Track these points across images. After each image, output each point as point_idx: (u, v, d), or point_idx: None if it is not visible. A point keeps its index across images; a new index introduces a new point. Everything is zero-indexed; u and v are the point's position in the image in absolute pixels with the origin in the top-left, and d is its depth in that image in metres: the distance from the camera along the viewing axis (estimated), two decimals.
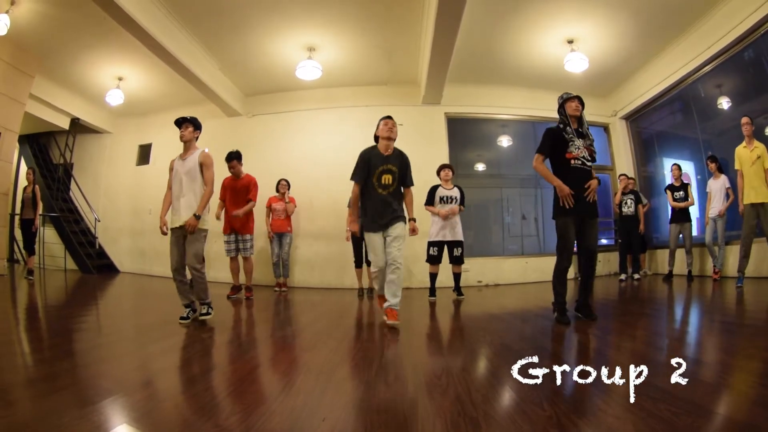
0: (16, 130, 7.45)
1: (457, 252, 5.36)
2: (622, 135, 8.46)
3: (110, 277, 8.65)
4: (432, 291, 5.43)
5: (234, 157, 5.67)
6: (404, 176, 3.81)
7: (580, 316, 3.56)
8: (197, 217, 3.63)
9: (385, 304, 3.58)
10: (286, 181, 6.86)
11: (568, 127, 3.55)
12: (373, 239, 3.70)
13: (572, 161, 3.47)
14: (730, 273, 5.97)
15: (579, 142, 3.51)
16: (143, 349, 2.88)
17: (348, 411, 1.67)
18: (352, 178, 3.78)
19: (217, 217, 5.64)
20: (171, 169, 3.88)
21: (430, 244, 5.37)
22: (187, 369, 2.45)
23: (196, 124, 3.93)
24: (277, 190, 6.78)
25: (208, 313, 3.80)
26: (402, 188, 3.86)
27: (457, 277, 5.52)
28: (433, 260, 5.36)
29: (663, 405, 1.56)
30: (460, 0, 4.78)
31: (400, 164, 3.76)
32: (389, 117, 3.79)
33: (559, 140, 3.53)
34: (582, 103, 3.60)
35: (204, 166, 3.78)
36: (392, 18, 6.02)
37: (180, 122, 3.89)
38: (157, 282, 7.84)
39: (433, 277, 5.44)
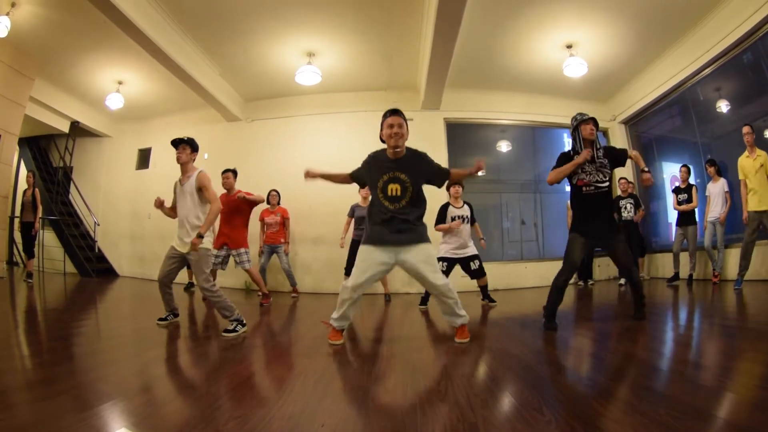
0: (16, 133, 7.46)
1: (474, 265, 5.20)
2: (621, 139, 8.47)
3: (109, 281, 8.63)
4: (424, 300, 5.31)
5: (229, 170, 5.76)
6: (428, 179, 3.16)
7: (554, 318, 3.54)
8: (200, 236, 3.60)
9: (455, 321, 3.18)
10: (277, 191, 6.79)
11: (577, 156, 3.52)
12: (366, 253, 3.01)
13: (584, 189, 3.49)
14: (729, 276, 5.98)
15: (589, 167, 3.50)
16: (142, 353, 2.87)
17: (347, 417, 1.67)
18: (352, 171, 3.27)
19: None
20: (174, 191, 3.88)
21: (440, 259, 5.13)
22: (185, 374, 2.45)
23: (193, 146, 3.82)
24: (268, 202, 6.73)
25: (235, 330, 3.51)
26: (423, 200, 3.17)
27: (483, 289, 5.41)
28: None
29: (662, 409, 1.57)
30: (459, 5, 4.81)
31: (414, 170, 3.05)
32: (395, 113, 3.02)
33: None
34: (596, 125, 3.57)
35: (203, 188, 3.73)
36: (392, 23, 6.04)
37: (177, 143, 3.78)
38: (157, 286, 7.81)
39: None
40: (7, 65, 6.90)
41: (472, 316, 4.65)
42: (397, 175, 3.02)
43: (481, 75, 7.61)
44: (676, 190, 6.63)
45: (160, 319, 3.86)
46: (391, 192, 3.02)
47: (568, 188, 3.76)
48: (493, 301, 5.37)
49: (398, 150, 3.01)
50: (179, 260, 3.72)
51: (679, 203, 6.52)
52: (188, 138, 3.81)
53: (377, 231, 3.03)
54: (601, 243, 3.59)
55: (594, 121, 3.57)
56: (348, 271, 6.14)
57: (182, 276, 4.23)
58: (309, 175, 3.28)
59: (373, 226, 3.07)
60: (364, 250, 3.04)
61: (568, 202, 3.83)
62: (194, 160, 3.87)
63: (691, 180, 6.52)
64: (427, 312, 5.01)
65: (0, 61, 6.80)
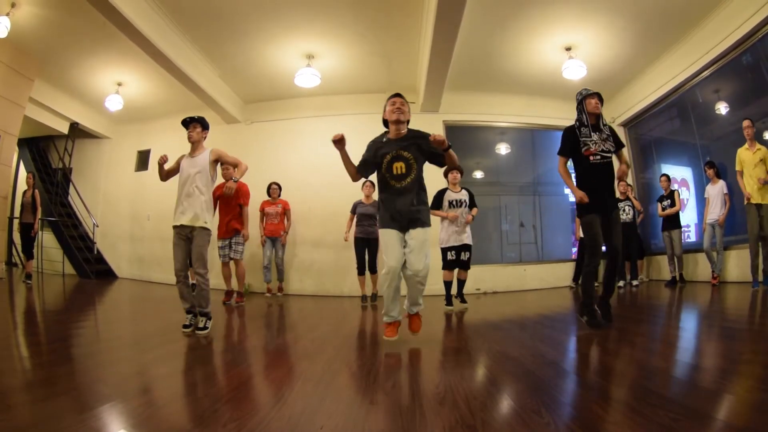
0: (15, 134, 7.47)
1: (464, 256, 5.21)
2: None
3: (108, 282, 8.63)
4: (449, 300, 5.24)
5: None
6: (429, 157, 3.18)
7: (596, 310, 3.54)
8: (235, 180, 3.82)
9: (406, 309, 3.27)
10: (277, 184, 6.85)
11: (583, 128, 3.55)
12: (388, 235, 3.08)
13: (591, 158, 3.51)
14: (729, 278, 5.99)
15: (595, 137, 3.52)
16: (142, 355, 2.87)
17: (346, 419, 1.66)
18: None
19: None
20: (177, 162, 3.87)
21: (445, 250, 5.19)
22: (185, 376, 2.44)
23: (204, 124, 3.88)
24: (269, 194, 6.76)
25: (205, 327, 3.59)
26: (424, 184, 3.24)
27: (461, 284, 5.36)
28: (451, 265, 5.19)
29: (662, 411, 1.56)
30: (459, 6, 4.81)
31: (417, 147, 3.12)
32: (397, 95, 3.23)
33: (576, 139, 3.56)
34: (601, 100, 3.61)
35: (221, 157, 3.84)
36: (391, 25, 6.05)
37: (187, 122, 3.83)
38: (156, 288, 7.82)
39: (449, 285, 5.25)
40: (7, 66, 6.91)
41: (467, 320, 4.66)
42: (400, 153, 3.11)
43: (480, 77, 7.62)
44: (660, 199, 6.75)
45: (185, 326, 3.62)
46: (397, 170, 3.11)
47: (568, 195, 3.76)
48: (465, 301, 5.34)
49: (400, 125, 3.15)
50: (186, 240, 3.67)
51: (663, 209, 6.67)
52: (199, 116, 3.86)
53: (389, 216, 3.12)
54: (606, 213, 3.54)
55: (598, 95, 3.60)
56: (361, 271, 6.15)
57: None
58: (339, 140, 3.14)
59: (385, 211, 3.16)
60: (383, 233, 3.15)
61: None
62: (205, 138, 3.93)
63: (689, 181, 6.57)
64: (450, 314, 4.93)
65: (0, 61, 6.80)
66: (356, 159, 3.26)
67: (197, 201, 3.68)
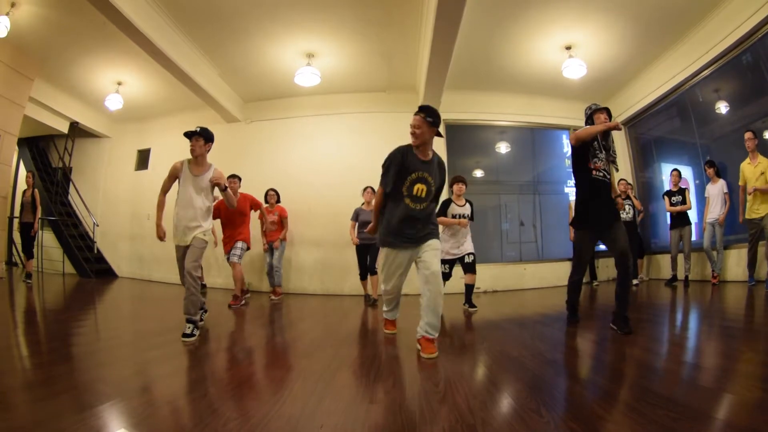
0: (15, 133, 7.46)
1: (469, 259, 5.13)
2: (621, 141, 8.46)
3: (108, 281, 8.62)
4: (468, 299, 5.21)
5: (235, 176, 5.89)
6: (439, 192, 3.15)
7: (614, 328, 3.26)
8: (224, 188, 3.66)
9: (420, 332, 2.88)
10: (275, 191, 6.74)
11: (595, 142, 3.53)
12: (388, 258, 2.96)
13: (594, 172, 3.50)
14: (729, 278, 5.99)
15: (602, 155, 3.52)
16: (142, 354, 2.87)
17: (346, 418, 1.67)
18: (381, 183, 3.08)
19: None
20: (174, 175, 3.65)
21: (441, 262, 5.13)
22: (185, 375, 2.44)
23: (207, 136, 3.67)
24: (266, 201, 6.68)
25: (192, 335, 3.33)
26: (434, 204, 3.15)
27: (469, 288, 5.23)
28: (444, 278, 5.01)
29: (662, 410, 1.57)
30: (459, 6, 4.81)
31: (439, 176, 3.07)
32: (417, 111, 3.01)
33: (586, 150, 3.53)
34: (610, 115, 3.61)
35: (218, 182, 3.63)
36: (391, 24, 6.04)
37: (190, 135, 3.64)
38: (156, 287, 7.82)
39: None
40: (7, 65, 6.90)
41: (468, 319, 4.66)
42: (425, 176, 2.98)
43: (480, 76, 7.61)
44: (668, 193, 6.68)
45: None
46: (417, 192, 2.97)
47: (571, 186, 3.77)
48: (474, 306, 5.16)
49: (423, 147, 3.00)
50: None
51: (673, 205, 6.58)
52: (201, 129, 3.66)
53: (396, 233, 3.00)
54: (604, 230, 3.50)
55: (607, 110, 3.61)
56: (363, 276, 6.16)
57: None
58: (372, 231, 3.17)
59: (390, 225, 3.03)
60: (385, 254, 3.05)
61: (571, 202, 3.86)
62: (209, 150, 3.72)
63: (689, 181, 6.54)
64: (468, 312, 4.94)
65: (0, 61, 6.79)
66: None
67: (197, 222, 3.59)
